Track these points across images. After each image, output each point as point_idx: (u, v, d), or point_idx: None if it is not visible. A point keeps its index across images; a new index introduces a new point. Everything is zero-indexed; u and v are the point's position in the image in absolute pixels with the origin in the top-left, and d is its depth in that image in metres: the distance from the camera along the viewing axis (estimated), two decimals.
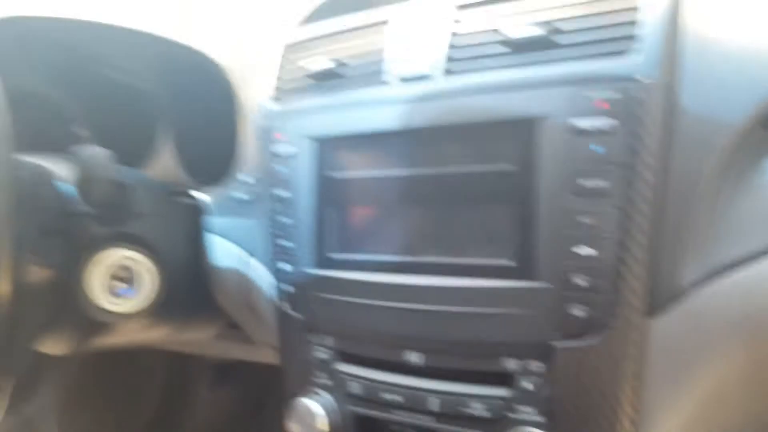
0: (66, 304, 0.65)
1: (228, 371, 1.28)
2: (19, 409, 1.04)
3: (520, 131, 0.48)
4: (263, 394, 1.29)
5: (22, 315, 0.53)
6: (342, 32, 0.60)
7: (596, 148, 0.46)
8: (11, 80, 0.53)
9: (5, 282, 0.50)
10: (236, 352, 0.91)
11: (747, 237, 0.45)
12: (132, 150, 0.76)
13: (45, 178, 0.63)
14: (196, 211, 0.73)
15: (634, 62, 0.45)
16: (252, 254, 0.68)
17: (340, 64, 0.58)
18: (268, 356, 0.82)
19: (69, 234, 0.63)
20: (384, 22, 0.57)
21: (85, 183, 0.60)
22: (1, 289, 0.50)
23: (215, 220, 0.72)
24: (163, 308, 0.69)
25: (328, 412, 0.58)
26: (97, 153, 0.60)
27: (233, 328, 0.82)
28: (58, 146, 0.75)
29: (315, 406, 0.58)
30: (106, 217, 0.65)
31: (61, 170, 0.64)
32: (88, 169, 0.59)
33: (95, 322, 0.66)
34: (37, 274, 0.61)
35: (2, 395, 0.57)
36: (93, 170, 0.60)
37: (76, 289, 0.64)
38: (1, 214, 0.49)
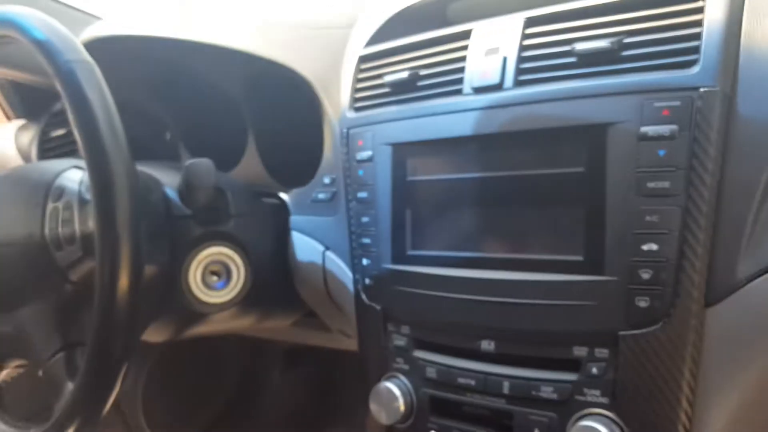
0: (169, 296, 0.72)
1: (299, 356, 1.35)
2: None
3: (589, 136, 0.52)
4: (332, 378, 1.36)
5: (138, 311, 0.60)
6: (418, 45, 0.65)
7: (660, 152, 0.50)
8: (114, 95, 0.59)
9: (125, 277, 0.57)
10: (312, 338, 0.98)
11: None
12: (223, 156, 0.83)
13: (154, 186, 0.71)
14: (281, 210, 0.80)
15: (694, 73, 0.49)
16: (330, 249, 0.74)
17: (416, 75, 0.63)
18: (341, 342, 0.89)
19: (173, 235, 0.71)
20: (459, 38, 0.61)
21: (190, 189, 0.67)
22: (122, 283, 0.56)
23: (297, 219, 0.79)
24: (249, 299, 0.77)
25: (405, 395, 0.63)
26: (201, 163, 0.67)
27: (310, 317, 0.89)
28: (155, 155, 0.83)
29: (394, 389, 0.63)
30: (204, 218, 0.72)
31: (166, 178, 0.72)
32: (193, 177, 0.67)
33: (193, 312, 0.74)
34: (147, 271, 0.69)
35: (114, 386, 0.63)
36: (198, 178, 0.67)
37: (177, 283, 0.72)
38: (123, 223, 0.56)
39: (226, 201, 0.74)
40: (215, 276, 0.74)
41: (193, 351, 1.24)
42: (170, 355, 1.22)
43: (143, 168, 0.73)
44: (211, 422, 1.28)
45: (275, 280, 0.80)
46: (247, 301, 0.77)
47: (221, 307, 0.75)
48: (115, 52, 0.80)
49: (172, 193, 0.70)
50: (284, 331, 0.97)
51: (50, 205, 0.66)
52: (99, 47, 0.79)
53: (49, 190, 0.66)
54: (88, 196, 0.64)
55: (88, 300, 0.58)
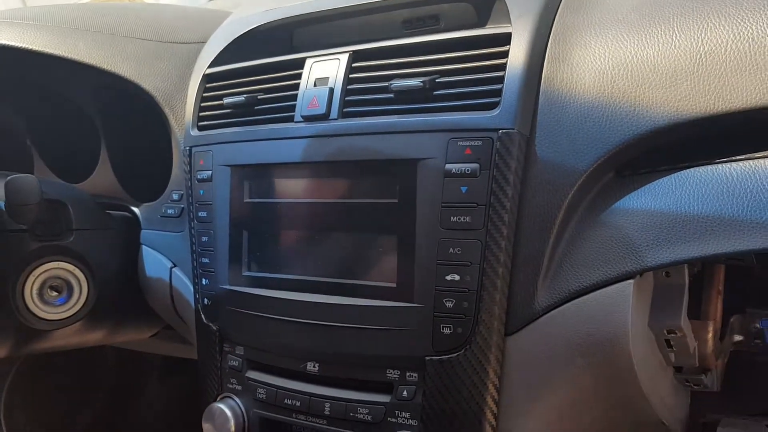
0: (1, 312, 0.70)
1: (177, 364, 1.33)
2: None
3: (402, 170, 0.55)
4: None
5: None
6: (257, 69, 0.65)
7: (463, 188, 0.52)
8: None
9: None
10: (175, 350, 0.97)
11: (590, 270, 0.52)
12: (77, 167, 0.81)
13: None
14: (131, 224, 0.79)
15: (494, 115, 0.52)
16: (177, 266, 0.74)
17: (254, 99, 0.64)
18: None
19: (6, 247, 0.69)
20: (293, 66, 0.62)
21: (12, 207, 0.65)
22: None
23: (148, 233, 0.78)
24: (96, 314, 0.75)
25: (237, 416, 0.64)
26: (22, 180, 0.65)
27: (171, 329, 0.88)
28: (9, 165, 0.80)
29: (226, 410, 0.64)
30: (41, 231, 0.70)
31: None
32: (13, 195, 0.64)
33: (31, 328, 0.72)
34: None
35: None
36: (19, 196, 0.64)
37: (11, 298, 0.70)
38: None
39: (67, 214, 0.72)
40: (55, 292, 0.72)
41: (62, 357, 1.19)
42: (37, 360, 1.17)
43: None
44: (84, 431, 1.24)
45: (123, 295, 0.78)
46: (93, 316, 0.75)
47: (62, 323, 0.73)
48: None
49: (1, 204, 0.68)
50: (146, 343, 0.95)
51: None
52: None
53: None
54: None
55: None
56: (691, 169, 0.50)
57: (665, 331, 0.56)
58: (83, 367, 1.26)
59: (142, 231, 0.78)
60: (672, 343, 0.57)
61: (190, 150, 0.68)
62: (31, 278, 0.70)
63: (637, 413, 0.58)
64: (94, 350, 1.24)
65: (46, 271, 0.71)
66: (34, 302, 0.71)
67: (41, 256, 0.70)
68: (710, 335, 0.60)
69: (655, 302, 0.56)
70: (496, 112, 0.52)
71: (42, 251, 0.70)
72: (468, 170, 0.52)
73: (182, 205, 0.73)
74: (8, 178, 0.64)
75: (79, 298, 0.73)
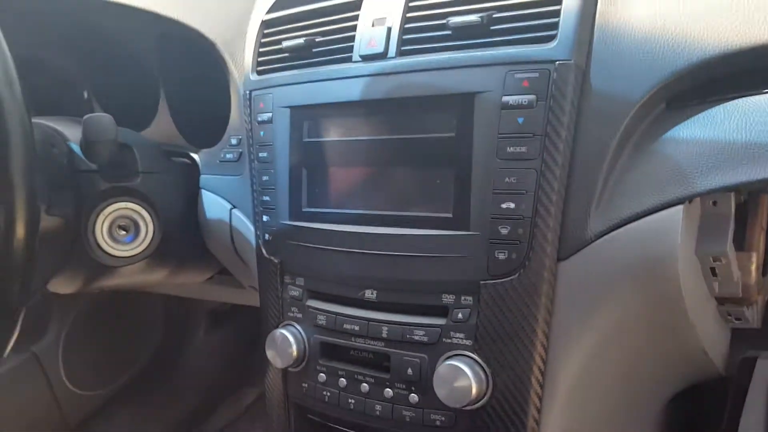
0: (76, 248, 0.75)
1: (222, 317, 1.39)
2: (27, 347, 1.15)
3: (460, 104, 0.57)
4: (254, 338, 1.40)
5: (35, 257, 0.62)
6: (314, 13, 0.68)
7: (519, 119, 0.55)
8: (23, 50, 0.60)
9: (21, 228, 0.58)
10: (227, 295, 1.02)
11: (641, 197, 0.54)
12: (137, 116, 0.85)
13: (57, 139, 0.72)
14: (191, 169, 0.83)
15: (552, 48, 0.54)
16: (237, 207, 0.78)
17: (312, 41, 0.67)
18: (254, 299, 0.92)
19: (78, 188, 0.73)
20: (351, 8, 0.65)
21: (89, 144, 0.69)
22: (18, 233, 0.58)
23: (207, 178, 0.82)
24: (159, 254, 0.80)
25: (298, 341, 0.68)
26: (100, 118, 0.69)
27: (224, 274, 0.92)
28: (67, 111, 0.84)
29: (288, 336, 0.68)
30: (111, 173, 0.75)
31: (70, 132, 0.73)
32: (92, 132, 0.69)
33: (100, 264, 0.77)
34: (50, 222, 0.71)
35: (14, 329, 0.65)
36: (97, 133, 0.69)
37: (84, 235, 0.74)
38: (18, 171, 0.58)
39: (133, 157, 0.76)
40: (123, 230, 0.77)
41: (115, 307, 1.26)
42: (92, 311, 1.23)
43: (48, 122, 0.74)
44: (133, 379, 1.30)
45: (185, 236, 0.83)
46: (156, 255, 0.80)
47: (129, 260, 0.78)
48: (18, 8, 0.80)
49: (76, 147, 0.72)
50: (200, 288, 1.00)
51: None
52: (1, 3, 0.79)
53: None
54: None
55: None
56: (740, 100, 0.52)
57: (711, 259, 0.59)
58: (135, 318, 1.32)
59: (202, 176, 0.82)
60: (717, 271, 0.60)
61: (250, 94, 0.71)
62: (101, 217, 0.75)
63: (681, 340, 0.61)
64: (145, 302, 1.31)
65: (115, 210, 0.75)
66: (104, 240, 0.75)
67: (111, 196, 0.75)
68: (754, 266, 0.62)
69: (702, 230, 0.58)
70: (553, 44, 0.54)
71: (112, 192, 0.75)
72: (525, 102, 0.54)
73: (240, 150, 0.77)
74: (86, 116, 0.68)
75: (145, 237, 0.77)
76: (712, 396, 0.80)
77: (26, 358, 1.14)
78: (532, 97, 0.54)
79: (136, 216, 0.77)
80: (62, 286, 0.79)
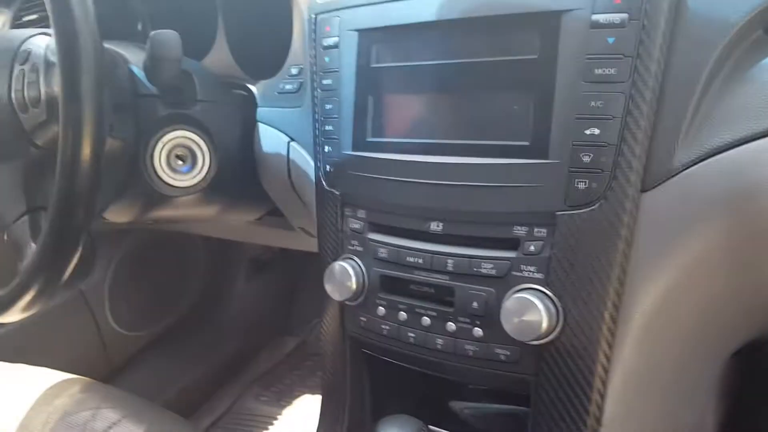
0: (134, 174, 0.74)
1: (263, 265, 1.39)
2: (74, 285, 1.16)
3: (544, 24, 0.54)
4: (294, 287, 1.40)
5: (100, 178, 0.61)
6: None
7: (609, 39, 0.52)
8: None
9: (88, 147, 0.58)
10: (274, 238, 1.01)
11: (734, 125, 0.51)
12: (193, 46, 0.84)
13: (120, 61, 0.71)
14: (248, 101, 0.81)
15: None
16: (295, 140, 0.76)
17: None
18: (303, 243, 0.91)
19: (139, 112, 0.72)
20: None
21: (155, 61, 0.68)
22: (85, 153, 0.58)
23: (264, 110, 0.80)
24: (214, 187, 0.79)
25: (357, 274, 0.67)
26: (167, 34, 0.68)
27: (274, 216, 0.91)
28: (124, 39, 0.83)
29: (348, 268, 0.67)
30: (171, 99, 0.73)
31: (133, 56, 0.72)
32: (158, 49, 0.67)
33: (157, 193, 0.76)
34: (112, 145, 0.70)
35: (77, 253, 0.65)
36: (163, 50, 0.67)
37: (142, 162, 0.74)
38: (86, 89, 0.57)
39: (193, 85, 0.75)
40: (180, 160, 0.76)
41: (159, 252, 1.27)
42: (137, 254, 1.24)
43: (111, 45, 0.73)
44: (174, 323, 1.32)
45: (240, 170, 0.82)
46: (211, 188, 0.79)
47: (186, 191, 0.77)
48: None
49: (138, 71, 0.71)
50: (248, 229, 1.00)
51: (17, 68, 0.66)
52: None
53: (16, 54, 0.67)
54: (54, 59, 0.64)
55: (52, 165, 0.59)
56: None
57: None
58: (178, 263, 1.33)
59: (259, 108, 0.80)
60: None
61: (316, 18, 0.69)
62: (160, 144, 0.74)
63: (764, 280, 0.58)
64: (188, 246, 1.31)
65: (173, 138, 0.74)
66: (162, 168, 0.74)
67: (170, 122, 0.74)
68: None
69: None
70: None
71: (171, 118, 0.74)
72: (617, 20, 0.51)
73: (301, 80, 0.75)
74: (153, 32, 0.67)
75: (202, 167, 0.76)
76: None
77: (74, 295, 1.15)
78: (624, 15, 0.51)
79: (194, 146, 0.76)
80: (119, 214, 0.79)
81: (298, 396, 1.31)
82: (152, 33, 0.67)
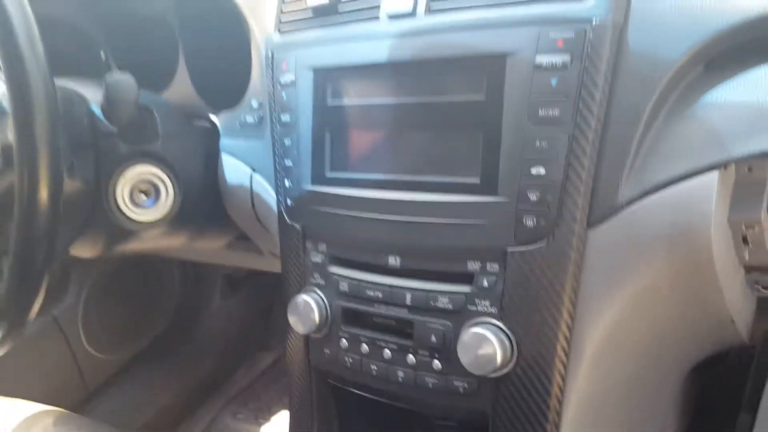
0: (96, 212, 0.74)
1: (238, 282, 1.40)
2: (47, 311, 1.16)
3: (490, 65, 0.56)
4: (270, 303, 1.41)
5: (59, 220, 0.62)
6: None
7: (552, 81, 0.53)
8: (41, 8, 0.59)
9: (44, 190, 0.58)
10: (246, 261, 1.02)
11: (675, 162, 0.53)
12: (153, 77, 0.84)
13: (78, 100, 0.71)
14: (211, 133, 0.82)
15: (589, 6, 0.52)
16: (257, 171, 0.77)
17: (337, 0, 0.65)
18: (272, 265, 0.92)
19: (98, 150, 0.72)
20: None
21: (111, 105, 0.68)
22: (42, 198, 0.58)
23: (227, 141, 0.81)
24: (179, 218, 0.79)
25: (320, 307, 0.68)
26: (122, 78, 0.68)
27: (243, 240, 0.92)
28: (84, 72, 0.83)
29: (310, 301, 0.68)
30: (131, 136, 0.74)
31: (91, 94, 0.72)
32: (114, 93, 0.68)
33: (121, 228, 0.76)
34: (71, 185, 0.70)
35: (39, 293, 0.66)
36: (118, 93, 0.68)
37: (105, 199, 0.74)
38: (40, 132, 0.57)
39: (153, 120, 0.75)
40: (144, 194, 0.76)
41: (133, 272, 1.27)
42: (110, 276, 1.24)
43: (69, 83, 0.73)
44: (151, 343, 1.32)
45: (205, 200, 0.82)
46: (177, 220, 0.79)
47: (150, 225, 0.77)
48: None
49: (97, 109, 0.71)
50: (218, 254, 1.00)
51: None
52: None
53: None
54: (7, 106, 0.64)
55: (10, 210, 0.60)
56: None
57: (743, 226, 0.57)
58: (152, 283, 1.33)
59: (222, 139, 0.81)
60: (749, 239, 0.58)
61: (273, 54, 0.70)
62: (122, 180, 0.74)
63: (709, 307, 0.60)
64: (162, 267, 1.32)
65: (136, 174, 0.75)
66: (125, 203, 0.75)
67: (131, 159, 0.74)
68: None
69: (736, 197, 0.57)
70: (590, 2, 0.52)
71: (132, 154, 0.74)
72: (559, 63, 0.53)
73: (261, 113, 0.76)
74: (108, 76, 0.67)
75: (165, 200, 0.77)
76: (734, 366, 0.79)
77: (47, 321, 1.15)
78: (566, 57, 0.53)
79: (156, 180, 0.76)
80: (84, 250, 0.79)
81: (276, 412, 1.32)
82: (107, 76, 0.68)
